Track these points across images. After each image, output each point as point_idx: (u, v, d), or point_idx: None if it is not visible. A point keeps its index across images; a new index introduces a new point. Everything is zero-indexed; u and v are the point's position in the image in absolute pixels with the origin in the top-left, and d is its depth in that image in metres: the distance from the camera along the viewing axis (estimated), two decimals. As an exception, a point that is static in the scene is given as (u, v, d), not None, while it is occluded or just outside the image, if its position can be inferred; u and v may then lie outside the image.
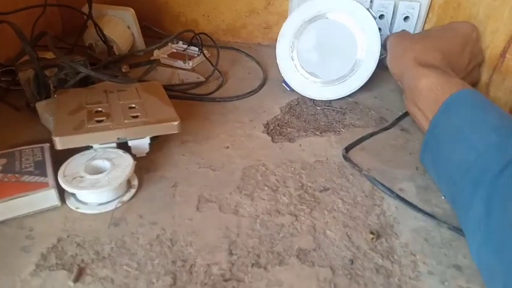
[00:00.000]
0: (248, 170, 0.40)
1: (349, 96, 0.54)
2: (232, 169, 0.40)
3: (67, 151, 0.35)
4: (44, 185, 0.33)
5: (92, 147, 0.37)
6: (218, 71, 0.58)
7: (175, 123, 0.39)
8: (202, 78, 0.57)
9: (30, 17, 0.54)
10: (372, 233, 0.32)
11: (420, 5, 0.59)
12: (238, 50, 0.68)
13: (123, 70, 0.56)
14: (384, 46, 0.52)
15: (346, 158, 0.42)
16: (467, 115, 0.33)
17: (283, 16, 0.68)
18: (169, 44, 0.64)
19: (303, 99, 0.54)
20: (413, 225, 0.34)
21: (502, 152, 0.28)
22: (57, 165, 0.35)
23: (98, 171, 0.34)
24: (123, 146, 0.38)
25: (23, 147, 0.38)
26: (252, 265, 0.30)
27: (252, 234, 0.32)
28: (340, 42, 0.52)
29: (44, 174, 0.34)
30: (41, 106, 0.44)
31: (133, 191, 0.36)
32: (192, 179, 0.38)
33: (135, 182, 0.37)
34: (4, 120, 0.45)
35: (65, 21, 0.69)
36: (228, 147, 0.43)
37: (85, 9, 0.58)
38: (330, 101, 0.54)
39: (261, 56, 0.66)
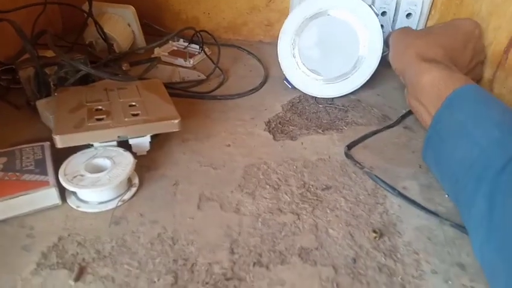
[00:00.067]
0: (249, 169, 0.39)
1: (351, 93, 0.53)
2: (233, 167, 0.40)
3: (67, 149, 0.35)
4: (44, 184, 0.33)
5: (92, 145, 0.37)
6: (219, 68, 0.58)
7: (176, 121, 0.38)
8: (203, 76, 0.57)
9: (31, 15, 0.53)
10: (374, 231, 0.32)
11: (423, 2, 0.59)
12: (240, 47, 0.68)
13: (124, 68, 0.56)
14: (386, 43, 0.52)
15: (348, 155, 0.41)
16: (471, 110, 0.32)
17: (284, 13, 0.67)
18: (170, 41, 0.64)
19: (304, 97, 0.53)
20: (417, 224, 0.34)
21: (504, 148, 0.28)
22: (57, 163, 0.35)
23: (98, 169, 0.34)
24: (124, 144, 0.38)
25: (23, 146, 0.37)
26: (254, 264, 0.29)
27: (253, 233, 0.32)
28: (342, 39, 0.51)
29: (44, 172, 0.34)
30: (41, 104, 0.43)
31: (134, 189, 0.36)
32: (193, 177, 0.38)
33: (136, 181, 0.36)
34: (4, 119, 0.45)
35: (65, 19, 0.69)
36: (229, 145, 0.43)
37: (85, 7, 0.58)
38: (332, 98, 0.53)
39: (263, 53, 0.65)
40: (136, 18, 0.62)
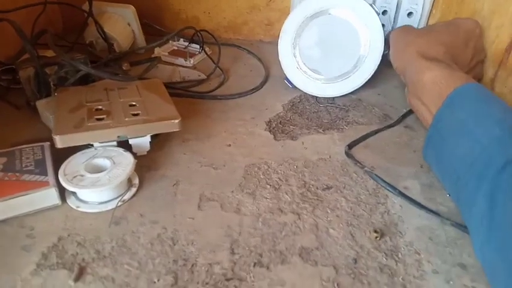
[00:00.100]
0: (250, 168, 0.39)
1: (352, 93, 0.53)
2: (234, 167, 0.39)
3: (67, 149, 0.35)
4: (44, 184, 0.33)
5: (92, 145, 0.37)
6: (219, 68, 0.58)
7: (176, 121, 0.38)
8: (203, 76, 0.57)
9: (31, 15, 0.53)
10: (375, 231, 0.32)
11: (424, 1, 0.59)
12: (240, 47, 0.67)
13: (124, 68, 0.56)
14: (386, 41, 0.51)
15: (348, 154, 0.41)
16: (472, 109, 0.32)
17: (285, 12, 0.67)
18: (170, 41, 0.64)
19: (305, 97, 0.53)
20: (418, 224, 0.34)
21: (505, 146, 0.28)
22: (57, 163, 0.35)
23: (98, 169, 0.34)
24: (124, 144, 0.38)
25: (23, 146, 0.37)
26: (254, 264, 0.29)
27: (254, 233, 0.32)
28: (343, 38, 0.51)
29: (44, 173, 0.34)
30: (41, 104, 0.43)
31: (134, 189, 0.35)
32: (194, 177, 0.38)
33: (136, 181, 0.36)
34: (4, 119, 0.45)
35: (65, 19, 0.69)
36: (229, 145, 0.43)
37: (85, 6, 0.57)
38: (333, 98, 0.53)
39: (263, 53, 0.65)
40: (137, 18, 0.62)
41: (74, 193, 0.34)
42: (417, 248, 0.31)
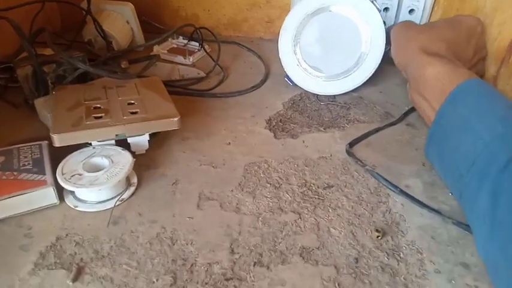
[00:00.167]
0: (250, 167, 0.39)
1: (353, 91, 0.53)
2: (233, 166, 0.39)
3: (65, 148, 0.35)
4: (42, 183, 0.32)
5: (90, 144, 0.36)
6: (219, 66, 0.57)
7: (175, 119, 0.38)
8: (203, 74, 0.56)
9: (29, 13, 0.53)
10: (377, 230, 0.32)
11: (425, -3, 0.58)
12: (240, 44, 0.67)
13: (122, 66, 0.56)
14: (387, 36, 0.51)
15: (349, 153, 0.41)
16: (474, 105, 0.32)
17: (285, 9, 0.67)
18: (169, 39, 0.63)
19: (306, 95, 0.53)
20: (420, 223, 0.33)
21: (508, 144, 0.27)
22: (55, 162, 0.34)
23: (96, 168, 0.34)
24: (123, 143, 0.37)
25: (21, 145, 0.37)
26: (254, 264, 0.29)
27: (254, 233, 0.32)
28: (344, 35, 0.50)
29: (42, 172, 0.34)
30: (39, 103, 0.43)
31: (132, 188, 0.35)
32: (193, 176, 0.38)
33: (135, 180, 0.36)
34: (2, 117, 0.45)
35: (64, 17, 0.69)
36: (229, 143, 0.43)
37: (84, 4, 0.57)
38: (334, 96, 0.53)
39: (263, 50, 0.65)
40: (135, 16, 0.62)
41: (72, 192, 0.34)
42: (419, 247, 0.31)
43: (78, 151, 0.36)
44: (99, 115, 0.37)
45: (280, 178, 0.38)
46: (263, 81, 0.56)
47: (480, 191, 0.28)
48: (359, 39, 0.50)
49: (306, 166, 0.39)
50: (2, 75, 0.49)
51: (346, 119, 0.48)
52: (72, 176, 0.33)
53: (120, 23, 0.61)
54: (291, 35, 0.51)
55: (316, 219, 0.33)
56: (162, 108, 0.40)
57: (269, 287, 0.27)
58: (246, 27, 0.71)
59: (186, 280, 0.28)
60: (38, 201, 0.32)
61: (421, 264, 0.30)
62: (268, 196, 0.35)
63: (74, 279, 0.27)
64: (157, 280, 0.28)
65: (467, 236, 0.32)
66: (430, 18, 0.61)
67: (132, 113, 0.38)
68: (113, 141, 0.37)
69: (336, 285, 0.28)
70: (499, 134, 0.28)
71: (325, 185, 0.37)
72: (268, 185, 0.37)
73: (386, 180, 0.37)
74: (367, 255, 0.30)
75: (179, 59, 0.59)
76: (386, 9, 0.59)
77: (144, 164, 0.39)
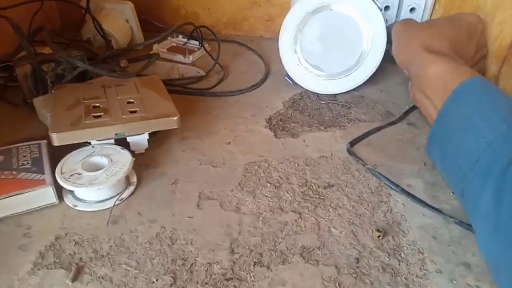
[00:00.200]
0: (250, 166, 0.39)
1: (354, 89, 0.53)
2: (233, 165, 0.39)
3: (65, 148, 0.35)
4: (41, 183, 0.32)
5: (89, 143, 0.36)
6: (219, 64, 0.57)
7: (175, 118, 0.38)
8: (202, 73, 0.56)
9: (28, 11, 0.53)
10: (378, 230, 0.31)
11: (426, -4, 0.58)
12: (240, 43, 0.67)
13: (122, 64, 0.55)
14: (388, 35, 0.50)
15: (350, 152, 0.41)
16: (477, 104, 0.32)
17: (285, 8, 0.66)
18: (169, 37, 0.63)
19: (306, 93, 0.52)
20: (421, 223, 0.33)
21: (511, 143, 0.27)
22: (54, 162, 0.34)
23: (95, 168, 0.34)
24: (122, 142, 0.37)
25: (20, 144, 0.37)
26: (255, 264, 0.29)
27: (254, 232, 0.32)
28: (344, 34, 0.50)
29: (41, 171, 0.34)
30: (38, 102, 0.43)
31: (132, 188, 0.35)
32: (193, 175, 0.37)
33: (134, 179, 0.36)
34: (1, 117, 0.45)
35: (63, 15, 0.68)
36: (229, 143, 0.42)
37: (83, 3, 0.57)
38: (335, 95, 0.52)
39: (263, 49, 0.64)
40: (135, 14, 0.61)
41: (71, 192, 0.34)
42: (420, 247, 0.31)
43: (78, 150, 0.35)
44: (98, 114, 0.37)
45: (280, 177, 0.38)
46: (263, 80, 0.55)
47: (483, 189, 0.27)
48: (360, 38, 0.50)
49: (307, 165, 0.39)
50: (1, 74, 0.49)
51: (347, 118, 0.48)
52: (72, 175, 0.32)
53: (120, 22, 0.60)
54: (291, 33, 0.51)
55: (316, 218, 0.33)
56: (162, 107, 0.39)
57: (269, 287, 0.27)
58: (246, 26, 0.71)
59: (186, 280, 0.27)
60: (37, 201, 0.32)
61: (422, 264, 0.29)
62: (269, 196, 0.35)
63: (73, 279, 0.27)
64: (156, 280, 0.27)
65: (468, 236, 0.32)
66: (431, 16, 0.61)
67: (132, 112, 0.38)
68: (112, 141, 0.37)
69: (337, 285, 0.28)
70: (502, 133, 0.28)
71: (326, 185, 0.37)
72: (269, 184, 0.37)
73: (388, 179, 0.37)
74: (368, 255, 0.30)
75: (179, 57, 0.59)
76: (387, 7, 0.59)
77: (144, 163, 0.38)
